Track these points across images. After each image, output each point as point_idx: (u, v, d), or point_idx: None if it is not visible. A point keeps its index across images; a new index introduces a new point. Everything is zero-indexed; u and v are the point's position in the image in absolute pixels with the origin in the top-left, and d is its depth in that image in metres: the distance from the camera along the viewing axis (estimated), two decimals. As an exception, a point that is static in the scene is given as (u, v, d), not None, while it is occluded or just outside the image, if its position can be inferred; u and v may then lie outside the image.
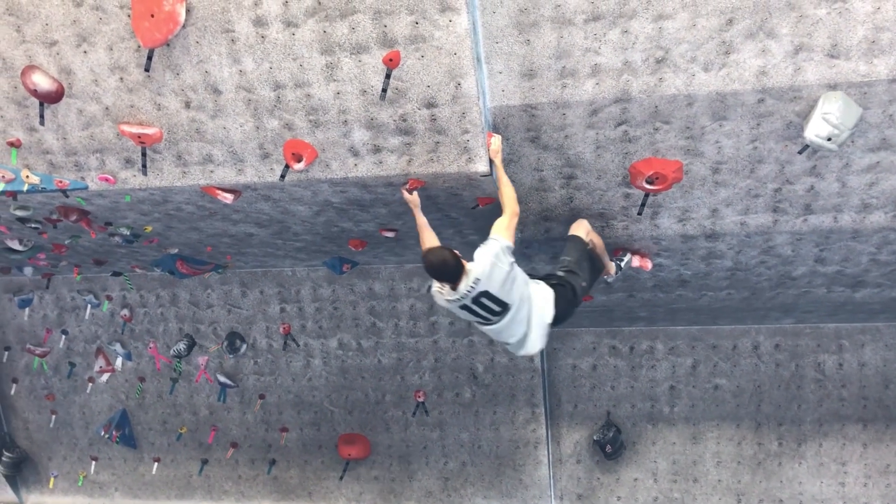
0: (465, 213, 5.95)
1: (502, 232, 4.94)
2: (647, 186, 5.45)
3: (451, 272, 4.78)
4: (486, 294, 4.84)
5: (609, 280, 6.11)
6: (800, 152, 5.13)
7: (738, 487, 7.84)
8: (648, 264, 6.15)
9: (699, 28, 4.69)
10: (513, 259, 4.90)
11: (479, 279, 4.79)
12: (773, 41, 4.68)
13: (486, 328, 5.09)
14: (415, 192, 5.31)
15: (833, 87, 4.76)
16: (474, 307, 4.89)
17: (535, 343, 5.18)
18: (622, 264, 6.09)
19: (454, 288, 4.82)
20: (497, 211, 5.87)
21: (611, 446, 7.83)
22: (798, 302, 6.76)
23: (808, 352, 7.47)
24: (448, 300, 4.89)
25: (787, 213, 5.60)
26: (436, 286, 4.93)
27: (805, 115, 4.94)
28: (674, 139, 5.19)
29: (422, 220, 5.25)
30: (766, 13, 4.60)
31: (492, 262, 4.82)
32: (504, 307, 4.93)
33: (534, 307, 5.08)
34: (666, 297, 6.83)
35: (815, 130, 4.87)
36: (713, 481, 7.89)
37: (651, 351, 7.73)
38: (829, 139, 4.88)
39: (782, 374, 7.55)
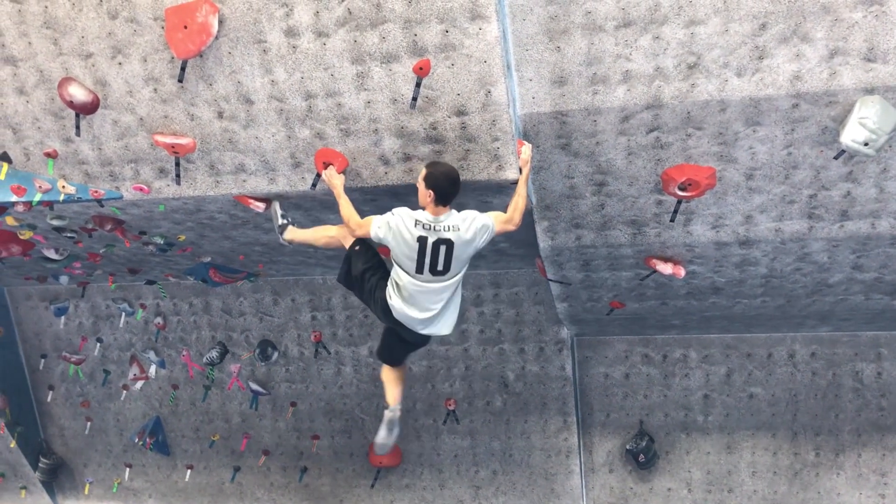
0: (496, 220, 5.94)
1: (496, 223, 4.99)
2: (680, 193, 5.40)
3: (455, 191, 4.84)
4: (448, 245, 4.85)
5: (387, 412, 5.83)
6: (836, 157, 5.06)
7: (774, 498, 7.72)
8: (681, 272, 6.09)
9: (732, 33, 4.64)
10: None
11: (458, 227, 4.84)
12: (808, 45, 4.61)
13: (416, 281, 4.98)
14: (342, 175, 5.27)
15: (870, 91, 4.68)
16: (430, 247, 4.85)
17: (442, 329, 5.25)
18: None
19: (437, 213, 4.84)
20: (527, 220, 5.86)
21: (644, 456, 7.76)
22: (835, 309, 6.65)
23: (845, 360, 7.35)
24: (418, 220, 4.84)
25: (823, 219, 5.52)
26: (403, 211, 4.90)
27: (841, 120, 4.86)
28: (706, 145, 5.14)
29: (347, 201, 5.17)
30: (801, 17, 4.54)
31: (475, 232, 4.89)
32: (446, 270, 4.94)
33: (454, 299, 5.18)
34: (699, 305, 6.76)
35: (852, 135, 4.80)
36: (748, 492, 7.78)
37: (684, 359, 7.65)
38: (866, 144, 4.80)
39: (819, 382, 7.44)
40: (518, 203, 5.02)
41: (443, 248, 4.87)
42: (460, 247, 4.89)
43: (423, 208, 4.90)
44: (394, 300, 5.09)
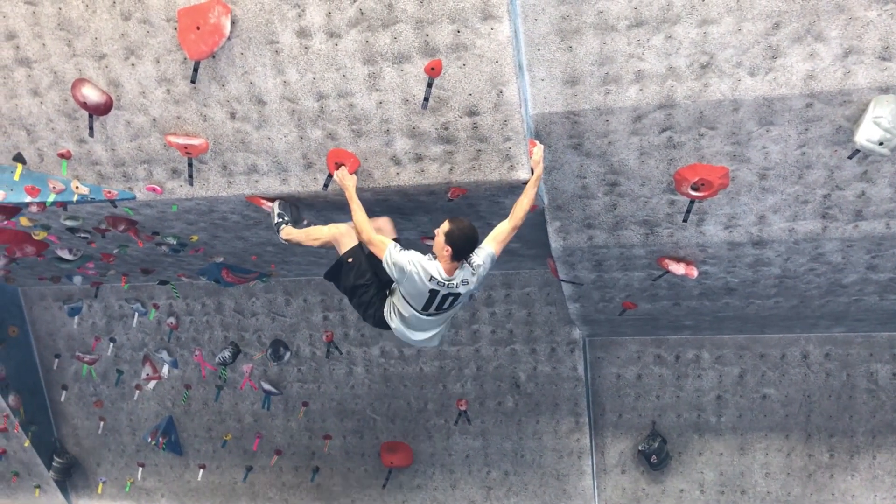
0: (508, 221, 5.93)
1: (495, 245, 5.02)
2: (693, 193, 5.38)
3: (471, 250, 4.88)
4: (456, 295, 4.96)
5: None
6: (850, 157, 5.02)
7: (787, 500, 7.68)
8: (694, 272, 6.06)
9: (745, 32, 4.62)
10: None
11: (468, 281, 4.93)
12: (822, 44, 4.59)
13: (420, 315, 5.03)
14: (354, 175, 5.29)
15: (885, 90, 4.65)
16: (439, 297, 4.93)
17: (433, 341, 5.34)
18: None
19: (451, 270, 4.85)
20: (538, 220, 5.86)
21: (656, 457, 7.73)
22: (849, 310, 6.61)
23: (859, 361, 7.30)
24: (433, 277, 4.83)
25: (836, 219, 5.48)
26: (419, 261, 4.85)
27: (855, 120, 4.83)
28: (719, 145, 5.12)
29: (359, 205, 5.14)
30: (814, 16, 4.51)
31: (480, 277, 5.00)
32: (451, 307, 5.07)
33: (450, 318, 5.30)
34: (712, 306, 6.73)
35: (866, 135, 4.77)
36: (762, 493, 7.74)
37: (697, 360, 7.61)
38: (881, 143, 4.77)
39: (833, 383, 7.39)
40: (524, 203, 5.02)
41: (450, 298, 4.98)
42: (466, 294, 5.02)
43: (435, 255, 4.90)
44: (395, 323, 5.16)
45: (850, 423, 7.43)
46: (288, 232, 5.64)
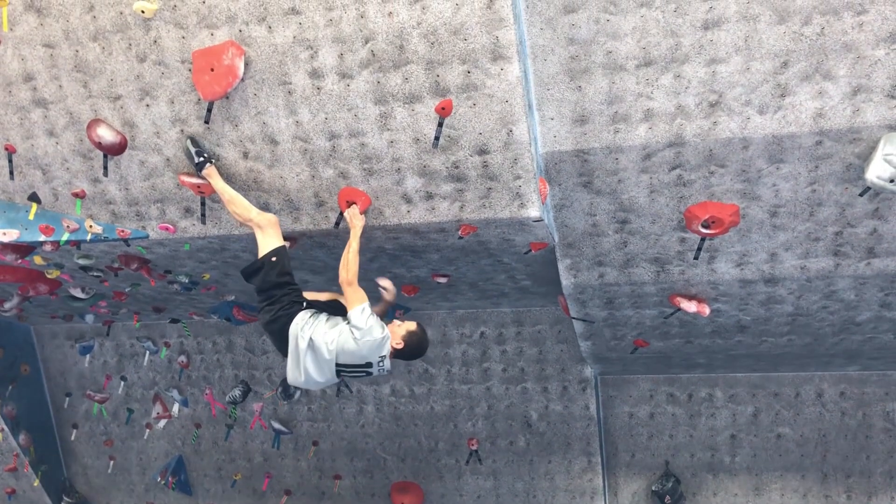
0: (518, 258, 5.93)
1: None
2: (703, 230, 5.38)
3: (412, 359, 5.29)
4: (367, 375, 5.16)
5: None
6: (861, 195, 5.02)
7: (804, 542, 7.56)
8: (706, 310, 6.03)
9: (753, 71, 4.65)
10: None
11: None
12: (830, 83, 4.61)
13: (328, 370, 5.07)
14: (363, 216, 5.34)
15: (894, 127, 4.66)
16: (358, 370, 5.07)
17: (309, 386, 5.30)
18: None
19: (391, 360, 5.07)
20: (549, 258, 5.86)
21: (670, 497, 7.63)
22: (863, 348, 6.55)
23: (875, 400, 7.22)
24: (384, 356, 4.98)
25: (849, 256, 5.46)
26: (387, 340, 4.97)
27: (866, 157, 4.84)
28: (729, 182, 5.13)
29: (358, 246, 5.16)
30: (822, 55, 4.55)
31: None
32: (349, 378, 5.40)
33: None
34: (724, 344, 6.69)
35: (877, 172, 4.77)
36: (778, 535, 7.62)
37: (710, 399, 7.55)
38: (892, 181, 4.77)
39: (848, 423, 7.30)
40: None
41: (364, 374, 5.10)
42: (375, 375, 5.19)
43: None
44: (299, 363, 5.06)
45: (867, 463, 7.33)
46: (211, 174, 5.32)
